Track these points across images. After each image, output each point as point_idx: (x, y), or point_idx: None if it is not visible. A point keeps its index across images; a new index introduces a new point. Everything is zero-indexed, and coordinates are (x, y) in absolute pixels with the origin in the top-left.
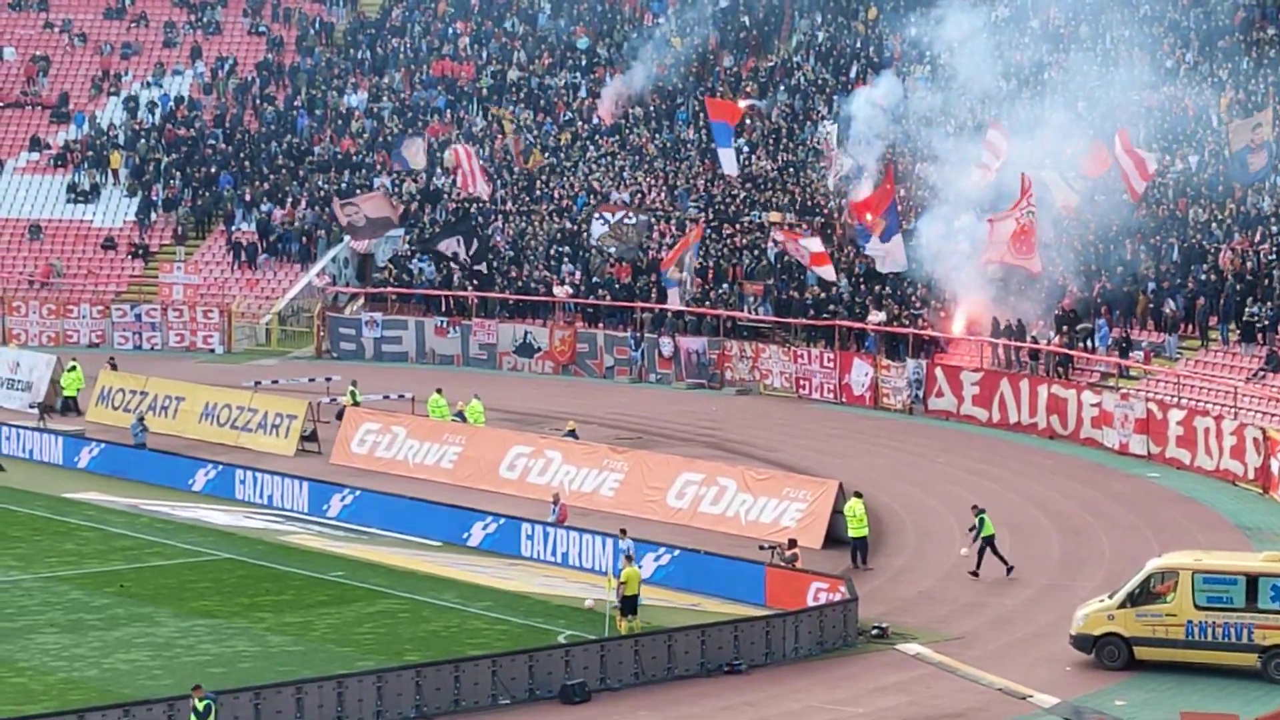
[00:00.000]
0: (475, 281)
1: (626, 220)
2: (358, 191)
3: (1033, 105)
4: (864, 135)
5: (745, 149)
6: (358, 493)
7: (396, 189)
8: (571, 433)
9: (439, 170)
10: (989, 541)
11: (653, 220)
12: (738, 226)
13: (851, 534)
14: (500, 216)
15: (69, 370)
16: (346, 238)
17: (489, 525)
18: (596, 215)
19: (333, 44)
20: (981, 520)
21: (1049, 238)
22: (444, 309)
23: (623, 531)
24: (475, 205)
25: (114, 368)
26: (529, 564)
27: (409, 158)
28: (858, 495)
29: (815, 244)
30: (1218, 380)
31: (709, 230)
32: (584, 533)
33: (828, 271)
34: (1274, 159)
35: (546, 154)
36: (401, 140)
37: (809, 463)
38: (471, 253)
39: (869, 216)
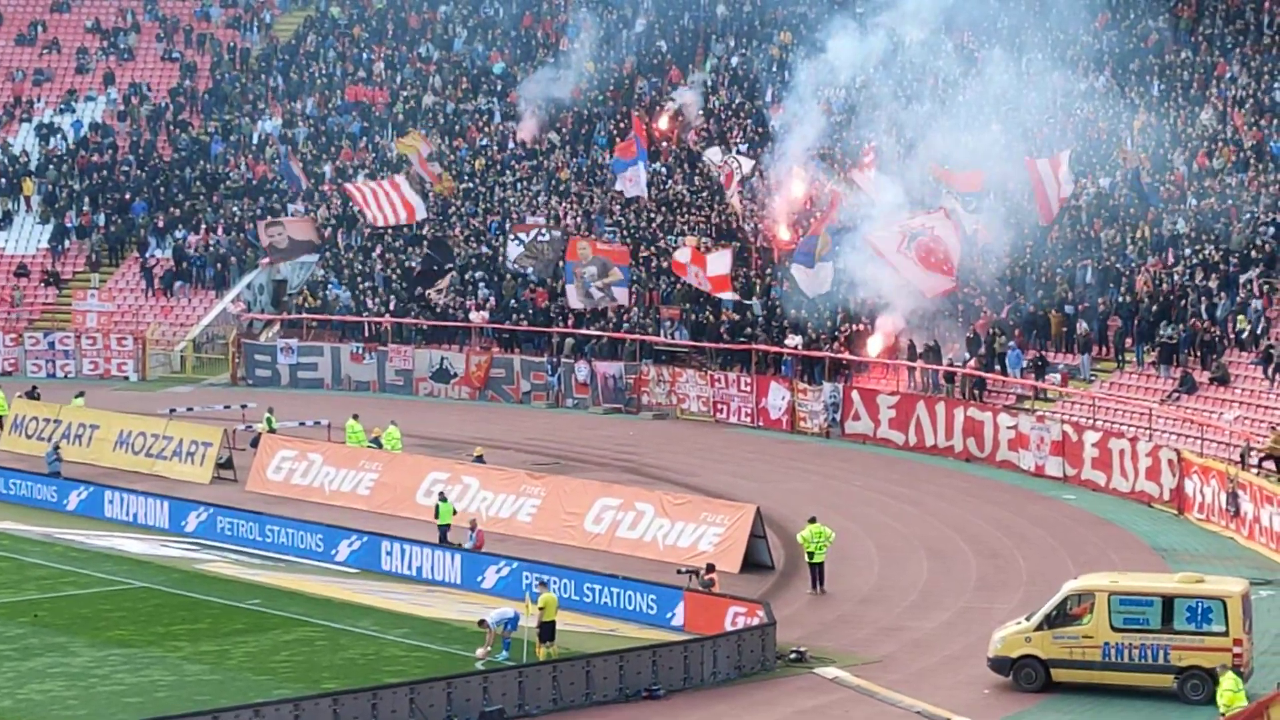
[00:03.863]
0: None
1: (540, 238)
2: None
3: (947, 127)
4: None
5: (662, 171)
6: (211, 509)
7: (312, 214)
8: (479, 458)
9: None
10: (443, 531)
11: (567, 235)
12: (653, 250)
13: (817, 560)
14: (413, 241)
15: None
16: (261, 262)
17: (354, 543)
18: (511, 236)
19: (247, 70)
20: (438, 508)
21: (965, 260)
22: (360, 335)
23: (481, 622)
24: (388, 232)
25: (34, 397)
26: (446, 590)
27: (298, 174)
28: (812, 520)
29: (722, 262)
30: (1133, 402)
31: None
32: (436, 548)
33: (727, 295)
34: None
35: (462, 179)
36: (286, 159)
37: (726, 487)
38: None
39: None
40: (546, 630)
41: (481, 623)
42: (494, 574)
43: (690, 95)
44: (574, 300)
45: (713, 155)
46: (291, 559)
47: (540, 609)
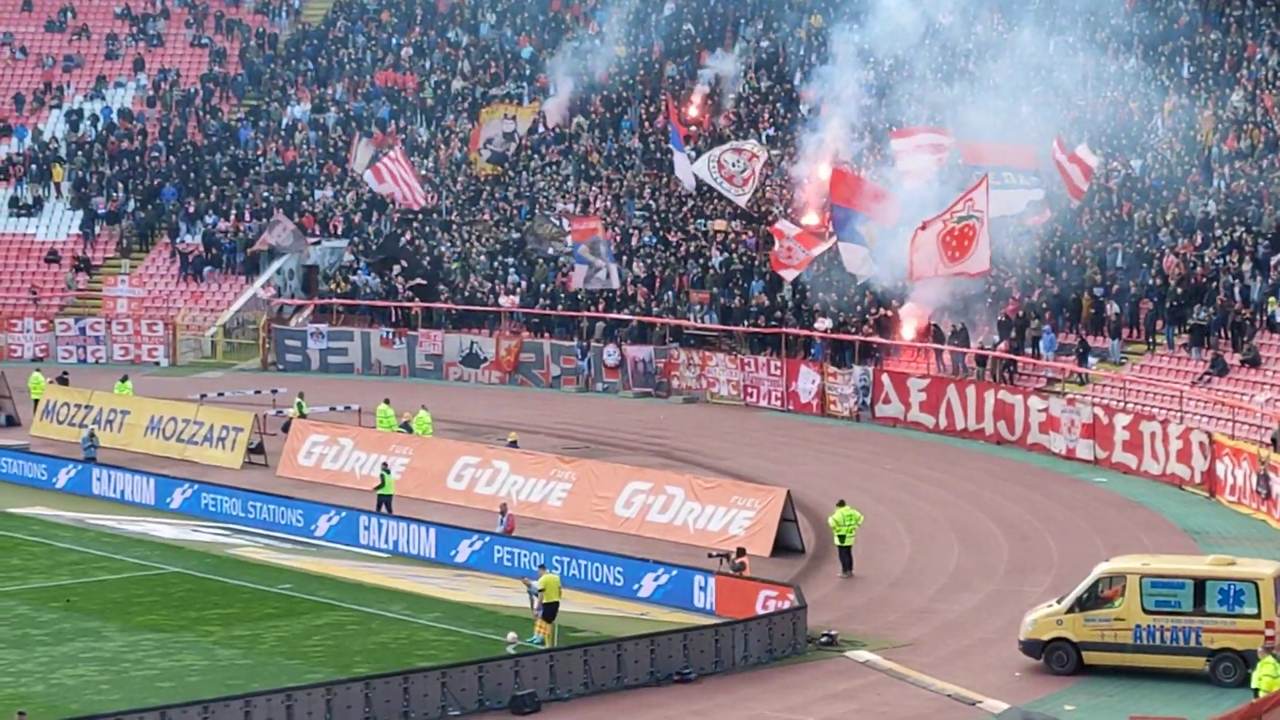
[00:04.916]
0: (415, 296)
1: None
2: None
3: (976, 108)
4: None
5: (692, 155)
6: (195, 486)
7: (340, 199)
8: (513, 443)
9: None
10: (385, 500)
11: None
12: (683, 235)
13: (847, 543)
14: (443, 227)
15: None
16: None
17: (333, 518)
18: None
19: (276, 55)
20: (383, 478)
21: (997, 241)
22: (390, 320)
23: (525, 580)
24: (419, 216)
25: (64, 383)
26: (477, 574)
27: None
28: (841, 504)
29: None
30: (1164, 384)
31: (655, 240)
32: (412, 523)
33: (790, 274)
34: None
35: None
36: (353, 144)
37: (757, 471)
38: (405, 269)
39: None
40: (549, 611)
41: (525, 581)
42: (467, 548)
43: (730, 64)
44: (578, 281)
45: (728, 157)
46: (273, 533)
47: (541, 589)
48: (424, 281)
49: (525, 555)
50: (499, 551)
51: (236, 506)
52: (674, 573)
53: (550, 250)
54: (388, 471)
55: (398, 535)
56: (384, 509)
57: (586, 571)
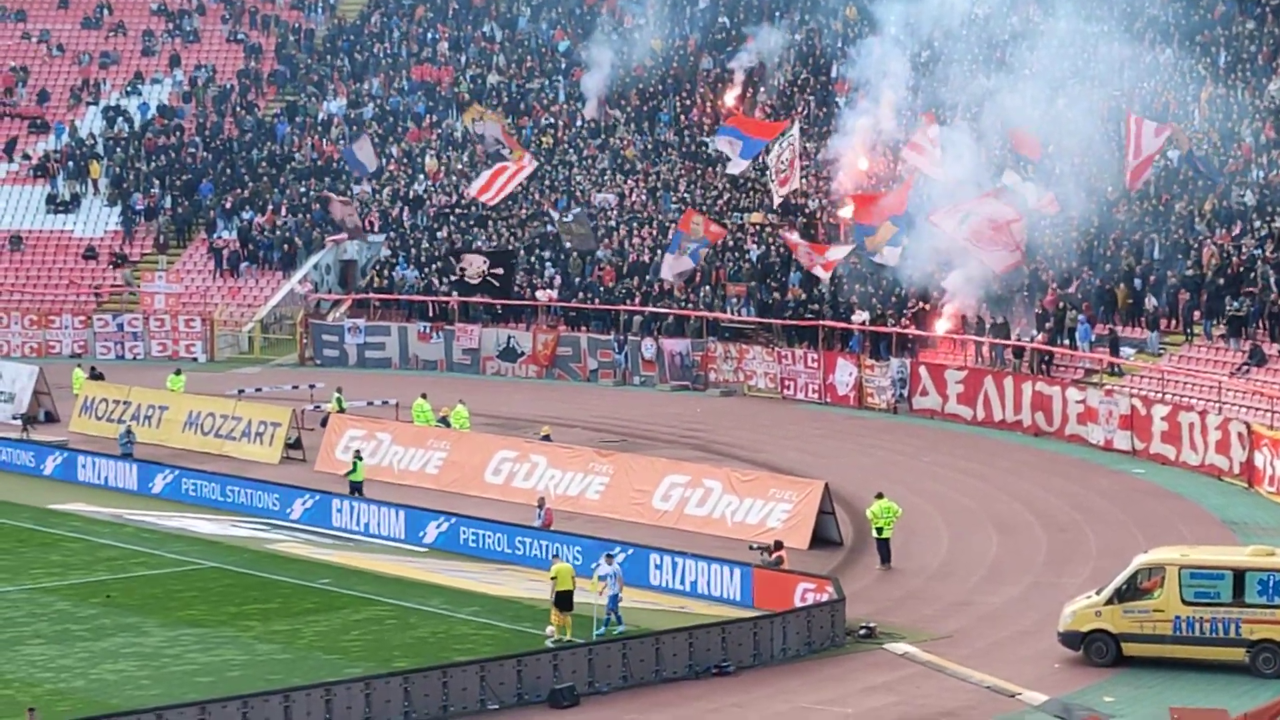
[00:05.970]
0: (496, 284)
1: (565, 218)
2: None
3: (1011, 98)
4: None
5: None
6: (177, 471)
7: (377, 195)
8: (546, 437)
9: (421, 175)
10: (356, 487)
11: (595, 210)
12: (720, 227)
13: (885, 535)
14: (479, 222)
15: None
16: (329, 240)
17: (307, 502)
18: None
19: (312, 51)
20: (355, 465)
21: (1030, 233)
22: (427, 314)
23: (609, 558)
24: (454, 210)
25: (97, 377)
26: (515, 567)
27: (362, 159)
28: (879, 496)
29: (837, 254)
30: (1202, 375)
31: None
32: (383, 505)
33: (825, 275)
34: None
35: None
36: (353, 142)
37: (794, 463)
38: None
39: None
40: (563, 599)
41: (609, 558)
42: (434, 529)
43: (778, 39)
44: (665, 270)
45: (776, 154)
46: (254, 519)
47: (553, 578)
48: (500, 271)
49: (490, 537)
50: (464, 533)
51: (215, 491)
52: (630, 551)
53: (575, 245)
54: (360, 459)
55: (368, 518)
56: (356, 495)
57: (547, 552)
